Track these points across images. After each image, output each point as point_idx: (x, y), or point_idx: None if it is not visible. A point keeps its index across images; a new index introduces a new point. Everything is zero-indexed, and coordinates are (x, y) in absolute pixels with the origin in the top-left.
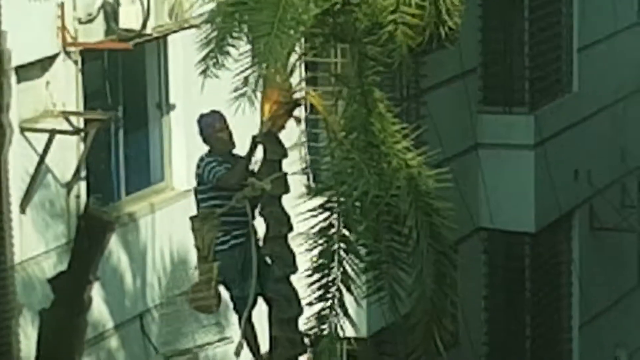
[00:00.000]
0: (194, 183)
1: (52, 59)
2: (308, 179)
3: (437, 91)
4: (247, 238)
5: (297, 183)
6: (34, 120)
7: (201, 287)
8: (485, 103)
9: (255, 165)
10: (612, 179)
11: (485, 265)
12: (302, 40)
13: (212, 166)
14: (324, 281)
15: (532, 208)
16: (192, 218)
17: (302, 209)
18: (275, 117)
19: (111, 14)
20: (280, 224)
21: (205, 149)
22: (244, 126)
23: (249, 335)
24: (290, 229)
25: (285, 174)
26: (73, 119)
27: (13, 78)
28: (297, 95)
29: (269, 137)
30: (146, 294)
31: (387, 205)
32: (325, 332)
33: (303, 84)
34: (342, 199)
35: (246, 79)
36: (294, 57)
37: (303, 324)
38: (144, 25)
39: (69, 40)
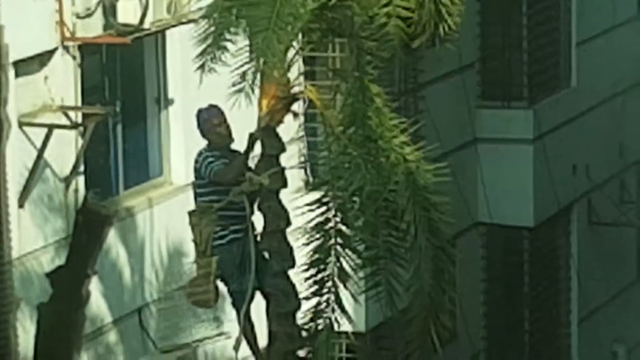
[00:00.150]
0: (192, 178)
1: (50, 53)
2: (306, 174)
3: (435, 86)
4: (245, 233)
5: (295, 178)
6: (33, 115)
7: (199, 281)
8: (484, 98)
9: (253, 161)
10: (610, 173)
11: (484, 260)
12: (300, 35)
13: (209, 161)
14: (320, 276)
15: (531, 203)
16: (190, 213)
17: (299, 204)
18: (273, 112)
19: (109, 9)
20: (279, 218)
21: (203, 143)
22: (243, 121)
23: (247, 330)
24: (289, 223)
25: (283, 169)
26: (71, 113)
27: (11, 73)
28: (295, 90)
29: (267, 132)
30: (144, 289)
31: (385, 200)
32: (321, 327)
33: (301, 79)
34: (338, 194)
35: (244, 74)
36: (291, 52)
37: (300, 318)
38: (142, 20)
39: (67, 35)
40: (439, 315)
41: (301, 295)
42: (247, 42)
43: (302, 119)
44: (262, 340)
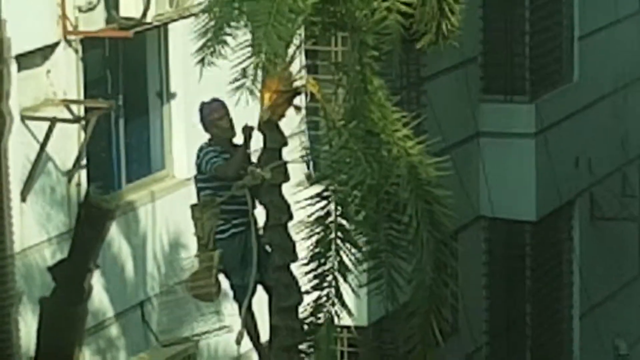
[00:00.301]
0: (194, 171)
1: (52, 47)
2: (308, 167)
3: (438, 80)
4: (247, 226)
5: (296, 171)
6: (35, 109)
7: (201, 275)
8: (486, 92)
9: (255, 154)
10: (612, 168)
11: (486, 254)
12: (302, 28)
13: (210, 157)
14: (320, 270)
15: (533, 197)
16: (192, 206)
17: (301, 197)
18: (275, 106)
19: (112, 3)
20: (281, 212)
21: (205, 137)
22: (246, 114)
23: (249, 324)
24: (291, 217)
25: (285, 163)
26: (74, 107)
27: (14, 66)
28: (297, 84)
29: (269, 126)
30: (146, 283)
31: (387, 193)
32: (321, 321)
33: (303, 73)
34: (339, 188)
35: (244, 70)
36: (293, 46)
37: (301, 312)
38: (144, 14)
39: (70, 28)
40: (440, 309)
41: (303, 289)
42: (248, 36)
43: (304, 112)
44: (264, 334)
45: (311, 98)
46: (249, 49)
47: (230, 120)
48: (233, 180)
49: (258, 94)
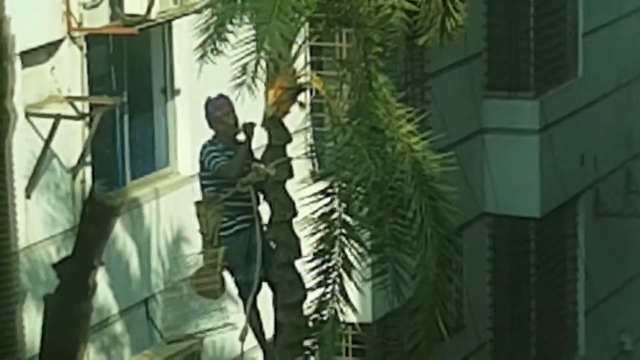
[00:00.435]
0: (198, 168)
1: (57, 44)
2: (313, 164)
3: (442, 76)
4: (251, 223)
5: (301, 168)
6: (39, 106)
7: (206, 272)
8: (490, 88)
9: (259, 151)
10: (616, 164)
11: (490, 250)
12: (307, 25)
13: (213, 156)
14: (324, 267)
15: (537, 193)
16: (197, 203)
17: (305, 194)
18: (280, 102)
19: None
20: (285, 209)
21: (210, 134)
22: (251, 111)
23: (254, 321)
24: (295, 214)
25: (290, 159)
26: (78, 104)
27: (18, 63)
28: (301, 80)
29: (273, 122)
30: (151, 280)
31: (391, 189)
32: (325, 318)
33: (307, 69)
34: (344, 185)
35: (244, 67)
36: (297, 43)
37: (306, 308)
38: (148, 11)
39: (74, 25)
40: (445, 303)
41: (307, 286)
42: (250, 32)
43: (308, 109)
44: (269, 331)
45: (316, 94)
46: (251, 45)
47: (235, 117)
48: (236, 179)
49: (258, 91)
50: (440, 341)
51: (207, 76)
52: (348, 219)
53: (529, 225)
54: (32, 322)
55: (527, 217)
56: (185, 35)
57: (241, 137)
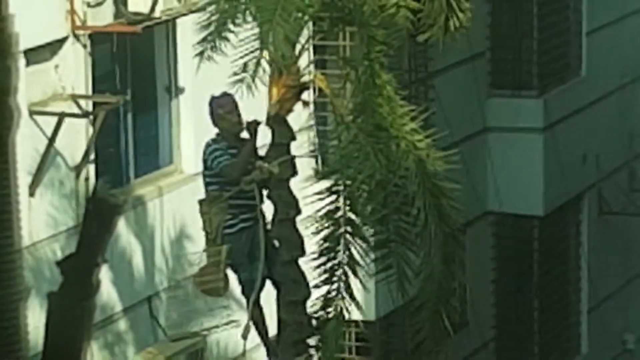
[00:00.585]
0: (202, 166)
1: (61, 42)
2: (316, 162)
3: (446, 75)
4: (255, 221)
5: (305, 166)
6: (43, 104)
7: (209, 270)
8: (494, 87)
9: (263, 149)
10: (620, 162)
11: (494, 249)
12: (310, 23)
13: (216, 155)
14: (329, 264)
15: (541, 192)
16: (200, 201)
17: (309, 192)
18: (283, 101)
19: None
20: (289, 207)
21: (213, 132)
22: (255, 109)
23: (257, 319)
24: (299, 212)
25: (293, 157)
26: (82, 102)
27: (22, 61)
28: (305, 79)
29: (277, 120)
30: (154, 277)
31: (395, 186)
32: (331, 315)
33: (311, 67)
34: (348, 183)
35: (245, 65)
36: (302, 41)
37: (310, 307)
38: (152, 9)
39: (78, 23)
40: (449, 299)
41: (312, 284)
42: (252, 31)
43: (312, 107)
44: (272, 329)
45: (319, 93)
46: (253, 43)
47: (239, 115)
48: (239, 179)
49: (258, 90)
50: (447, 337)
51: (211, 75)
52: (353, 216)
53: (532, 224)
54: (35, 320)
55: (530, 216)
56: (189, 34)
57: (245, 135)
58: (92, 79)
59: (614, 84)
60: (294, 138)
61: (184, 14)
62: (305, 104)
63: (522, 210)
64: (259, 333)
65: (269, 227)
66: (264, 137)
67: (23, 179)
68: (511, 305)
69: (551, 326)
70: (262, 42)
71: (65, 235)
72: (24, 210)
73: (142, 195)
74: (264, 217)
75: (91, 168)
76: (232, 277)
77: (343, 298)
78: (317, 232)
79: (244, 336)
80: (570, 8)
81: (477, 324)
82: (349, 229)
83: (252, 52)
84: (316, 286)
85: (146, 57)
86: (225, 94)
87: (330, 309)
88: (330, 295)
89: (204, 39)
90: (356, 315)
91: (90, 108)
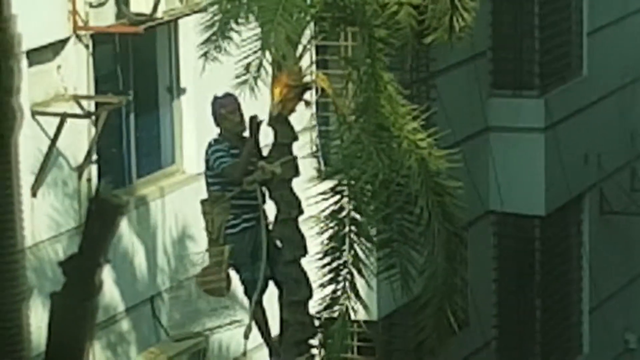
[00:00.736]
0: (204, 167)
1: (63, 42)
2: (318, 163)
3: (447, 74)
4: (257, 221)
5: (307, 167)
6: (45, 104)
7: (211, 270)
8: (495, 86)
9: (265, 149)
10: (621, 162)
11: (495, 249)
12: (312, 23)
13: (218, 156)
14: (335, 264)
15: (542, 191)
16: (202, 201)
17: (312, 192)
18: (285, 101)
19: None
20: (291, 207)
21: (215, 132)
22: (257, 109)
23: (260, 318)
24: (301, 212)
25: (296, 158)
26: (84, 102)
27: (24, 62)
28: (307, 79)
29: (279, 120)
30: (157, 277)
31: (398, 185)
32: (336, 315)
33: (313, 67)
34: (352, 182)
35: (247, 65)
36: (303, 41)
37: (314, 306)
38: (154, 9)
39: (80, 24)
40: (453, 296)
41: (316, 284)
42: (254, 31)
43: (314, 107)
44: (274, 329)
45: (321, 93)
46: (255, 43)
47: (242, 115)
48: (241, 180)
49: (259, 90)
50: (451, 334)
51: (213, 75)
52: (357, 216)
53: (533, 224)
54: (38, 320)
55: (532, 216)
56: (191, 34)
57: (247, 134)
58: (94, 79)
59: (615, 83)
60: (296, 138)
61: (186, 15)
62: (307, 104)
63: (524, 209)
64: (261, 333)
65: (271, 227)
66: (265, 137)
67: (25, 180)
68: (512, 305)
69: (553, 326)
70: (264, 42)
71: (67, 236)
72: (26, 210)
73: (144, 196)
74: (266, 217)
75: (93, 168)
76: (235, 277)
77: (349, 297)
78: (322, 232)
79: (246, 336)
80: (572, 8)
81: (478, 324)
82: (353, 228)
83: (254, 52)
84: (322, 285)
85: (148, 58)
86: (228, 94)
87: (336, 308)
88: (335, 295)
89: (207, 40)
90: (359, 314)
91: (92, 108)
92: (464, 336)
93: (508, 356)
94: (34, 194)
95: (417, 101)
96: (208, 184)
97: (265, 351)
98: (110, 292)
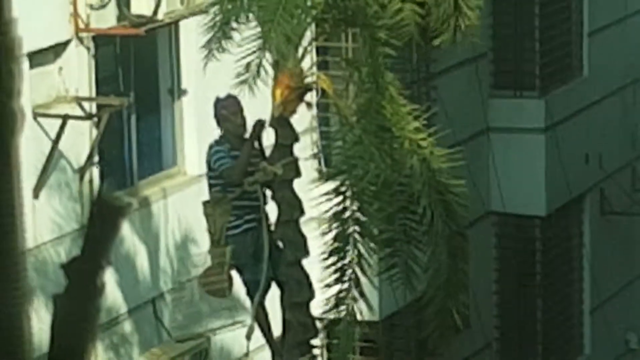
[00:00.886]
0: (205, 168)
1: (64, 44)
2: (320, 164)
3: (448, 75)
4: (259, 222)
5: (308, 168)
6: (47, 106)
7: (213, 271)
8: (496, 87)
9: (266, 150)
10: (623, 162)
11: (496, 249)
12: (313, 24)
13: (218, 157)
14: (339, 264)
15: (543, 192)
16: (204, 203)
17: (314, 194)
18: (287, 102)
19: (123, 0)
20: (292, 208)
21: (217, 134)
22: (258, 111)
23: (262, 319)
24: (302, 213)
25: (297, 159)
26: (86, 104)
27: (25, 64)
28: (308, 80)
29: (280, 122)
30: (159, 279)
31: (401, 185)
32: (342, 315)
33: (314, 69)
34: (354, 183)
35: (248, 65)
36: (305, 42)
37: (319, 307)
38: (155, 11)
39: (82, 26)
40: (457, 294)
41: (320, 284)
42: (255, 31)
43: (315, 109)
44: (277, 330)
45: (322, 94)
46: (255, 43)
47: (243, 117)
48: (240, 181)
49: (259, 90)
50: (454, 333)
51: (214, 76)
52: (361, 216)
53: (534, 224)
54: (41, 322)
55: (532, 216)
56: (192, 36)
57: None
58: (96, 81)
59: (616, 84)
60: (297, 139)
61: (187, 17)
62: (309, 105)
63: (525, 210)
64: (264, 334)
65: (272, 228)
66: (267, 138)
67: (27, 181)
68: (514, 306)
69: (553, 326)
70: (264, 41)
71: (69, 238)
72: (28, 212)
73: (145, 197)
74: (267, 218)
75: (95, 170)
76: (237, 278)
77: (353, 298)
78: (326, 233)
79: (248, 337)
80: (572, 8)
81: (479, 324)
82: (357, 228)
83: (254, 52)
84: (327, 286)
85: (149, 60)
86: (230, 96)
87: (342, 308)
88: (341, 295)
89: (209, 40)
90: (363, 315)
91: (94, 110)
92: (465, 337)
93: (509, 357)
94: (35, 196)
95: (417, 102)
96: (210, 185)
97: (267, 352)
98: (113, 293)
